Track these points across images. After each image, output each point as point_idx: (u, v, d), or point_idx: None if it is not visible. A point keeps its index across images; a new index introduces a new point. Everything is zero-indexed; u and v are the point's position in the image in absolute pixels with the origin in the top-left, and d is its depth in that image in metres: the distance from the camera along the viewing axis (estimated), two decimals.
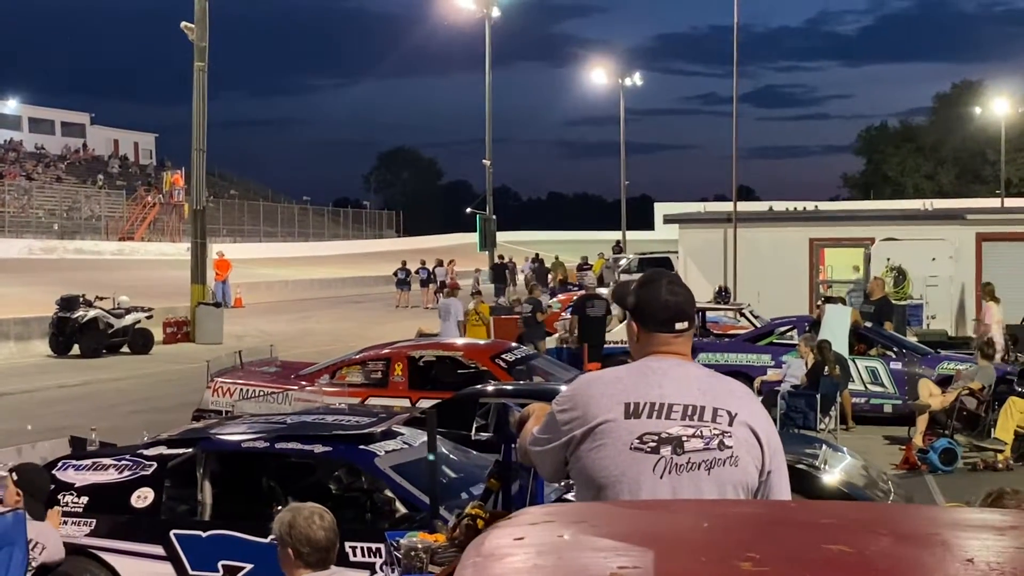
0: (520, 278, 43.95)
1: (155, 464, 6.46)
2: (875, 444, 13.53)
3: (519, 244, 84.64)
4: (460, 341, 14.71)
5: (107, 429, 10.62)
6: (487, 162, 57.15)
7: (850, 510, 3.15)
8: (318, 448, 6.49)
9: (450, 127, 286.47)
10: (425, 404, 11.13)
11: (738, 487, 3.27)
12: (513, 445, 4.82)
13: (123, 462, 6.53)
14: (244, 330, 29.16)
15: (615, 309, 20.22)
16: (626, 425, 3.22)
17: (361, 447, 6.49)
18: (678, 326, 3.39)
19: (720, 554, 2.16)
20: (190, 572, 6.10)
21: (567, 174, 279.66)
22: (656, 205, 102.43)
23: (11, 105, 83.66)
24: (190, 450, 6.55)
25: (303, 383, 12.37)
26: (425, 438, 6.99)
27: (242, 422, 7.25)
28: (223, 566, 6.07)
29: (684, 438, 3.22)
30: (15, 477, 6.16)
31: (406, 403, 11.46)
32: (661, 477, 3.21)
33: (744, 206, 30.17)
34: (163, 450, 6.63)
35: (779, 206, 51.37)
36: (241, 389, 12.31)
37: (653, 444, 3.22)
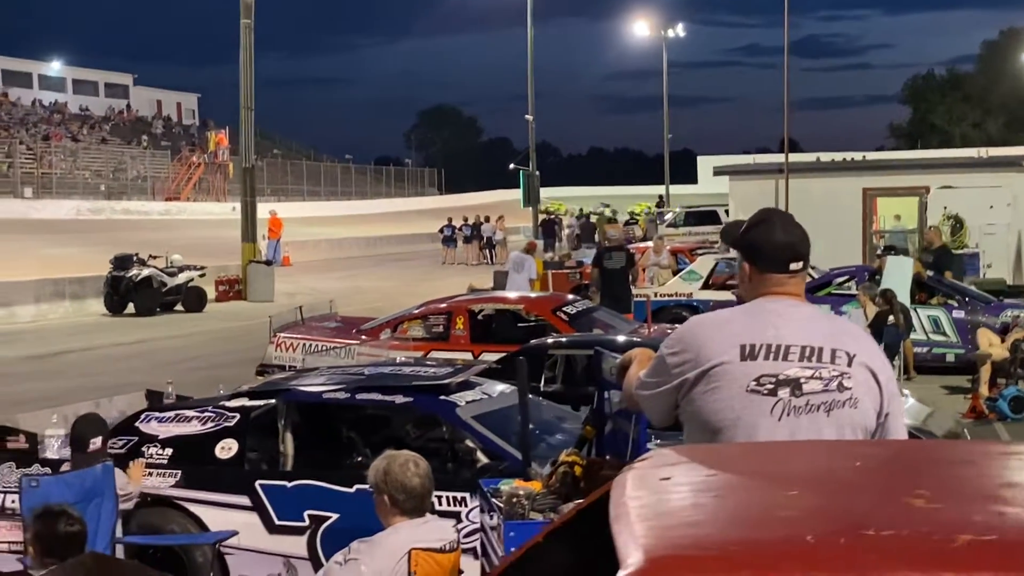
0: (565, 233, 43.88)
1: (238, 415, 6.49)
2: (937, 394, 13.38)
3: (564, 199, 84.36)
4: (520, 294, 14.67)
5: (159, 386, 10.74)
6: (529, 117, 56.76)
7: (985, 448, 3.09)
8: (399, 399, 6.49)
9: (490, 84, 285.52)
10: (487, 357, 11.15)
11: (857, 429, 3.21)
12: (606, 393, 4.79)
13: (206, 414, 6.56)
14: (294, 288, 29.29)
15: (655, 257, 20.13)
16: (742, 367, 3.17)
17: (442, 397, 6.48)
18: (792, 266, 3.32)
19: (886, 491, 2.11)
20: (276, 522, 6.13)
21: (607, 129, 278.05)
22: (699, 158, 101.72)
23: (55, 67, 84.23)
24: (271, 401, 6.57)
25: (365, 338, 12.40)
26: (503, 388, 7.01)
27: (320, 374, 7.27)
28: (309, 515, 6.09)
29: (802, 380, 3.16)
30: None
31: (468, 356, 11.45)
32: (779, 420, 3.16)
33: (793, 157, 29.83)
34: (245, 402, 6.66)
35: (825, 157, 50.81)
36: (304, 344, 12.36)
37: (771, 386, 3.17)
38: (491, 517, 4.56)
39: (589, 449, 4.78)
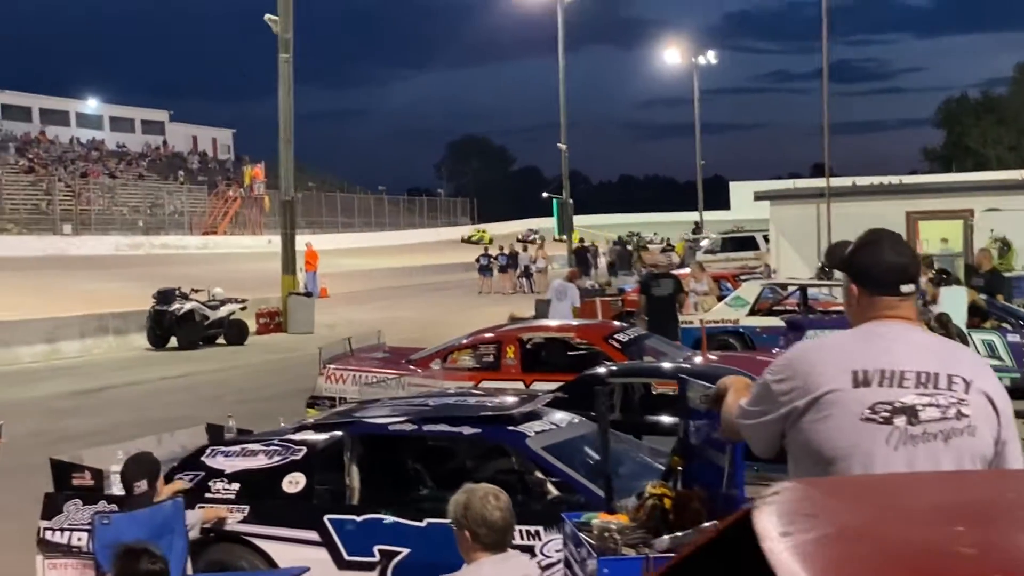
0: (602, 261, 43.77)
1: (304, 448, 6.40)
2: None
3: (593, 228, 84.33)
4: (571, 323, 14.53)
5: (217, 419, 10.67)
6: (562, 146, 56.85)
7: None
8: (467, 430, 6.38)
9: (518, 114, 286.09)
10: (539, 387, 11.02)
11: (976, 458, 3.09)
12: (692, 423, 4.67)
13: (272, 447, 6.47)
14: (333, 319, 29.29)
15: (695, 283, 19.95)
16: (855, 395, 3.05)
17: (510, 428, 6.37)
18: (904, 288, 3.21)
19: None
20: (346, 557, 6.02)
21: (637, 156, 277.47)
22: (732, 184, 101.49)
23: (92, 105, 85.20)
24: (337, 434, 6.48)
25: (414, 368, 12.31)
26: (570, 418, 6.88)
27: (383, 405, 7.17)
28: (379, 551, 5.98)
29: (919, 407, 3.04)
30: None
31: (520, 386, 11.35)
32: (895, 449, 3.04)
33: (820, 183, 29.61)
34: (310, 435, 6.57)
35: (861, 181, 50.53)
36: (353, 375, 12.29)
37: (886, 414, 3.05)
38: (579, 551, 4.44)
39: (675, 480, 4.66)
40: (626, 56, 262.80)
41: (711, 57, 71.29)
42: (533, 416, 6.61)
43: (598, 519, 4.50)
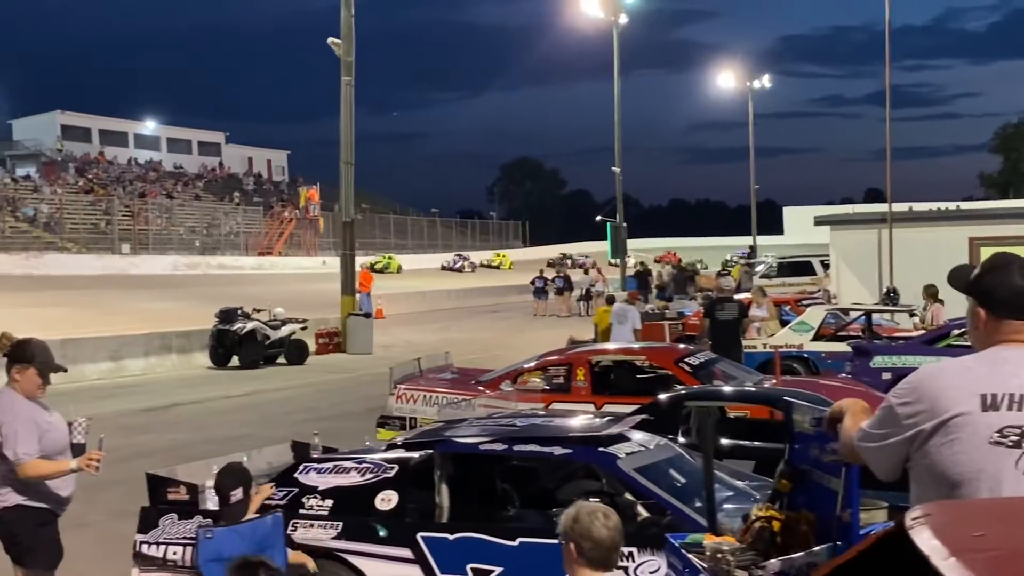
0: (656, 284, 43.63)
1: (396, 466, 6.46)
2: None
3: (644, 251, 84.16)
4: (642, 345, 14.52)
5: (281, 436, 10.77)
6: (616, 169, 56.89)
7: None
8: (557, 450, 6.41)
9: (570, 137, 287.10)
10: (609, 409, 11.03)
11: None
12: (799, 446, 4.67)
13: (364, 465, 6.54)
14: (390, 340, 29.47)
15: (755, 308, 19.86)
16: (984, 418, 3.05)
17: (601, 449, 6.39)
18: None
19: None
20: (438, 575, 6.07)
21: (688, 180, 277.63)
22: (785, 209, 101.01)
23: (150, 126, 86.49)
24: (427, 453, 6.54)
25: (484, 389, 12.36)
26: (659, 441, 6.89)
27: (471, 425, 7.22)
28: (472, 569, 6.02)
29: None
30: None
31: (590, 408, 11.35)
32: None
33: (882, 208, 29.37)
34: (401, 453, 6.64)
35: (918, 207, 50.07)
36: (424, 395, 12.36)
37: (1015, 438, 3.05)
38: (686, 572, 4.44)
39: (781, 503, 4.65)
40: (677, 80, 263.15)
41: (766, 81, 70.99)
42: (621, 438, 6.63)
43: (707, 541, 4.50)
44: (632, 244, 65.56)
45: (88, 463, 5.82)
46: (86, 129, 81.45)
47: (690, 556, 4.45)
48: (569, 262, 69.13)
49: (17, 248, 50.00)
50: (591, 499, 6.43)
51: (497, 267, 74.49)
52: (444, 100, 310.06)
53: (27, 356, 5.98)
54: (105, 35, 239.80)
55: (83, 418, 6.23)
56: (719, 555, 4.23)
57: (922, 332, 17.24)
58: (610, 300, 23.77)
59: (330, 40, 27.14)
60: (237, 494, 6.09)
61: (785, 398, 4.96)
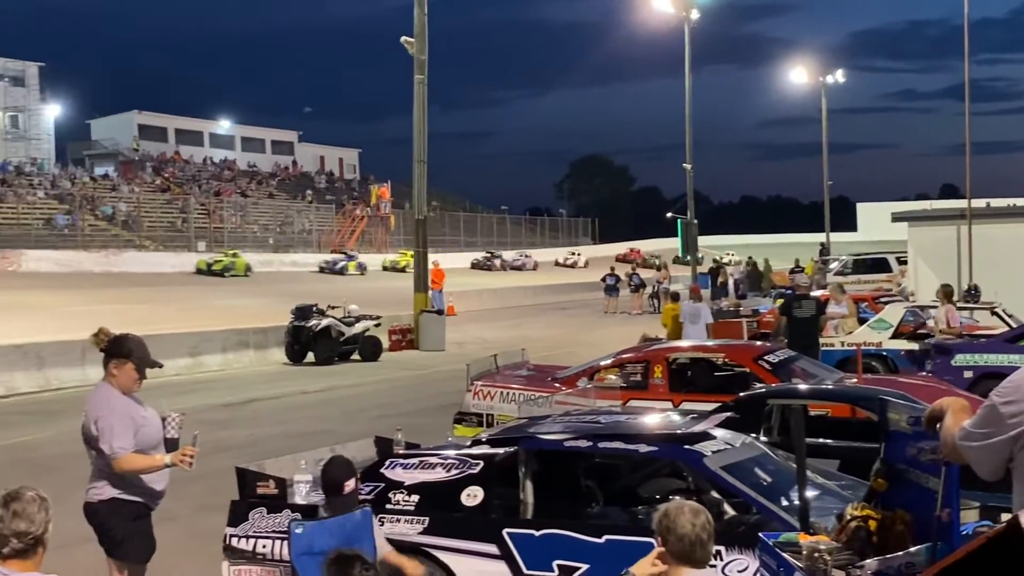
0: (730, 283, 43.32)
1: (482, 463, 6.49)
2: None
3: (716, 248, 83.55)
4: (720, 343, 14.43)
5: (358, 432, 10.86)
6: (687, 165, 56.48)
7: None
8: (642, 448, 6.40)
9: (640, 133, 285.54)
10: (687, 407, 10.97)
11: None
12: (895, 445, 4.62)
13: (449, 460, 6.58)
14: (462, 337, 29.59)
15: (834, 306, 19.61)
16: None
17: (687, 447, 6.36)
18: None
19: None
20: (525, 571, 6.07)
21: (759, 177, 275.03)
22: (859, 206, 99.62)
23: (225, 126, 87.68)
24: (512, 449, 6.55)
25: (560, 386, 12.36)
26: (745, 439, 6.84)
27: (555, 422, 7.24)
28: (558, 566, 6.02)
29: None
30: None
31: (668, 406, 11.30)
32: None
33: (961, 203, 28.80)
34: (487, 449, 6.67)
35: (995, 202, 49.09)
36: (500, 392, 12.39)
37: None
38: (781, 571, 4.41)
39: (877, 502, 4.60)
40: (747, 75, 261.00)
41: (839, 76, 70.00)
42: (707, 436, 6.59)
43: (802, 540, 4.47)
44: (703, 241, 65.10)
45: (182, 459, 5.90)
46: (162, 129, 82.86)
47: (785, 555, 4.42)
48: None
49: (96, 246, 51.02)
50: (677, 497, 6.41)
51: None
52: (514, 97, 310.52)
53: (125, 351, 6.07)
54: (180, 36, 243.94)
55: (176, 413, 6.31)
56: (816, 554, 4.20)
57: (1004, 330, 16.90)
58: (675, 297, 23.67)
59: (403, 39, 27.31)
60: (350, 484, 6.18)
61: (881, 396, 4.89)
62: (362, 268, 56.58)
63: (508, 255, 72.69)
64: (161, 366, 6.37)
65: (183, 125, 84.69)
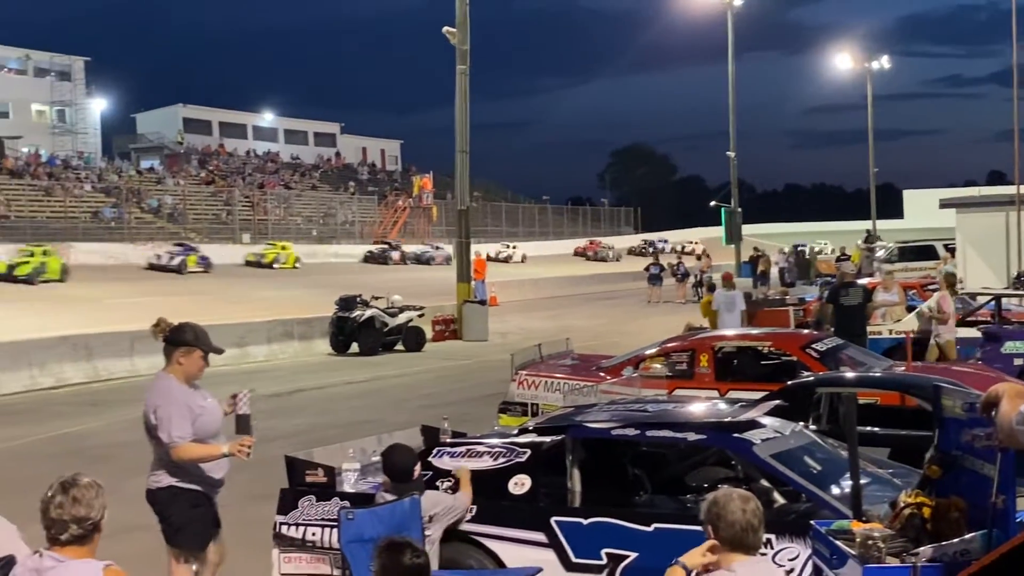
0: (774, 271, 43.00)
1: (529, 451, 6.49)
2: None
3: (760, 237, 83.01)
4: (767, 331, 14.32)
5: (404, 422, 10.88)
6: (731, 153, 56.28)
7: None
8: (691, 436, 6.37)
9: (682, 122, 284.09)
10: (733, 395, 10.90)
11: None
12: (949, 431, 4.56)
13: (496, 449, 6.58)
14: (505, 327, 29.61)
15: (884, 293, 19.41)
16: None
17: (735, 435, 6.32)
18: None
19: None
20: (573, 559, 6.06)
21: (802, 165, 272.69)
22: (905, 193, 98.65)
23: (268, 118, 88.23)
24: (559, 437, 6.54)
25: (605, 375, 12.33)
26: (794, 427, 6.79)
27: (600, 410, 7.21)
28: (606, 554, 6.01)
29: None
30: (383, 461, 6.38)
31: (714, 394, 11.24)
32: None
33: (1009, 190, 28.39)
34: (533, 437, 6.66)
35: None
36: (545, 382, 12.37)
37: None
38: (834, 560, 4.37)
39: (931, 490, 4.55)
40: (791, 62, 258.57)
41: (885, 62, 69.28)
42: (755, 424, 6.55)
43: (855, 527, 4.43)
44: (747, 229, 64.76)
45: (240, 449, 5.98)
46: (206, 122, 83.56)
47: (838, 543, 4.38)
48: (652, 248, 68.68)
49: (143, 238, 51.51)
50: (725, 485, 6.38)
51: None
52: (554, 87, 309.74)
53: (190, 339, 6.17)
54: (224, 30, 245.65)
55: (247, 390, 6.48)
56: (870, 541, 4.16)
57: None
58: (711, 288, 23.55)
59: (445, 29, 27.32)
60: (418, 469, 6.26)
61: (935, 383, 4.83)
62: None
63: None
64: (222, 352, 6.48)
65: (227, 118, 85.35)
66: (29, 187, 54.88)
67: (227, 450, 6.03)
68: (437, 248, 58.96)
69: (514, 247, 67.14)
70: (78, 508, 4.07)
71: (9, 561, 4.29)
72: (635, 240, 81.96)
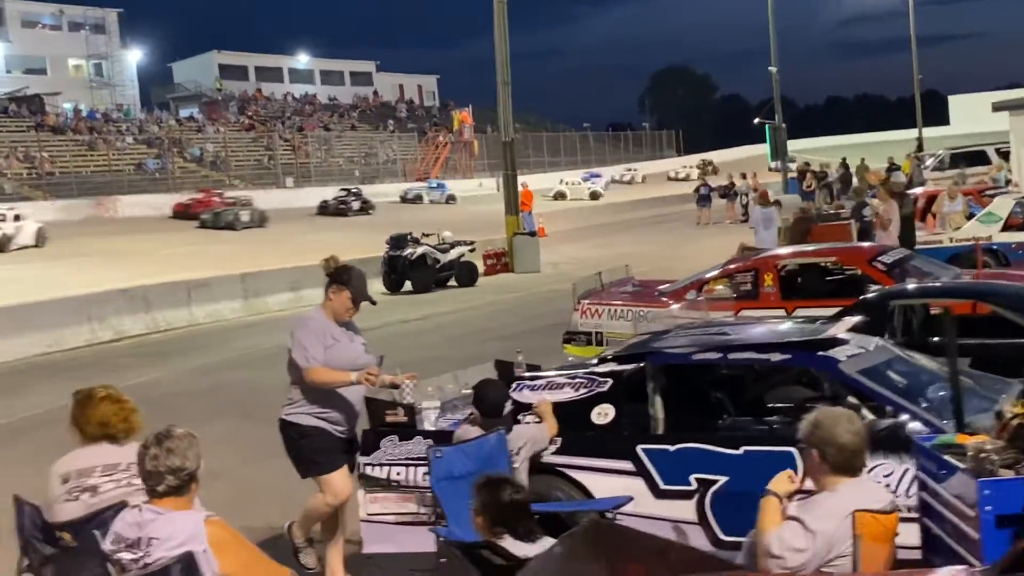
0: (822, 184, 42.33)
1: (610, 380, 6.41)
2: None
3: (804, 152, 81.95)
4: (831, 246, 14.11)
5: (467, 357, 10.85)
6: (773, 69, 55.43)
7: None
8: (775, 356, 6.25)
9: (718, 40, 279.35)
10: (800, 313, 10.76)
11: None
12: None
13: (577, 380, 6.51)
14: (556, 258, 29.50)
15: (949, 203, 19.09)
16: None
17: (820, 353, 6.20)
18: None
19: None
20: (662, 486, 6.00)
21: (843, 76, 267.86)
22: (951, 99, 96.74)
23: (303, 60, 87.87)
24: (639, 365, 6.46)
25: (668, 300, 12.21)
26: (878, 342, 6.65)
27: (678, 335, 7.11)
28: (695, 479, 5.94)
29: None
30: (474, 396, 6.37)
31: (781, 314, 11.10)
32: None
33: None
34: (614, 366, 6.58)
35: None
36: (608, 309, 12.28)
37: None
38: (942, 474, 4.28)
39: None
40: None
41: None
42: (839, 341, 6.42)
43: (963, 441, 4.33)
44: (791, 145, 63.92)
45: (368, 377, 6.10)
46: (242, 67, 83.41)
47: (947, 457, 4.29)
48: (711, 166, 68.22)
49: (187, 187, 51.74)
50: (819, 405, 6.27)
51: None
52: (584, 13, 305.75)
53: (345, 279, 6.31)
54: None
55: (409, 380, 6.52)
56: (983, 455, 4.06)
57: None
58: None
59: None
60: (508, 404, 6.26)
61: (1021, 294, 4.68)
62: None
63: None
64: (375, 303, 6.61)
65: (262, 62, 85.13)
66: (72, 142, 55.19)
67: (355, 377, 6.12)
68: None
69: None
70: (173, 459, 4.08)
71: (119, 508, 4.35)
72: (677, 164, 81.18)
